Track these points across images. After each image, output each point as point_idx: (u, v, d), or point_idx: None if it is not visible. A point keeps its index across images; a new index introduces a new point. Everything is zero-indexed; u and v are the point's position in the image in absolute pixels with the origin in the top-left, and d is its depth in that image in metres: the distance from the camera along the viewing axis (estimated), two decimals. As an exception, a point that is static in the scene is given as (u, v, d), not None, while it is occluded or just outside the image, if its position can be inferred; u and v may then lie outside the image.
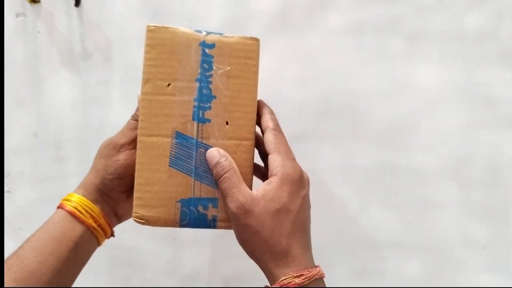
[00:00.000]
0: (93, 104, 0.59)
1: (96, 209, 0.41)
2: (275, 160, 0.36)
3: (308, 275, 0.33)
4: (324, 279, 0.35)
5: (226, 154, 0.37)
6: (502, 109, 0.52)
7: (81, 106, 0.59)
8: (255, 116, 0.40)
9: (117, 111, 0.58)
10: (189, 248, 0.58)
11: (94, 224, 0.41)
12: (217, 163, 0.37)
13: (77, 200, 0.41)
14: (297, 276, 0.33)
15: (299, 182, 0.36)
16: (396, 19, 0.53)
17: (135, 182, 0.38)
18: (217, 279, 0.58)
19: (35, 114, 0.60)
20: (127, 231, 0.59)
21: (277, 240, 0.34)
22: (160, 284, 0.59)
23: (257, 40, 0.40)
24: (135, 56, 0.57)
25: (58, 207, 0.41)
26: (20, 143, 0.60)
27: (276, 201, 0.34)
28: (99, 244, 0.42)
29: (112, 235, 0.44)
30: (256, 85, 0.40)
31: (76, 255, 0.40)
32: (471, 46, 0.52)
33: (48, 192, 0.60)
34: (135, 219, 0.38)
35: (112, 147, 0.42)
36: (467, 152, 0.53)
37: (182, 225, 0.39)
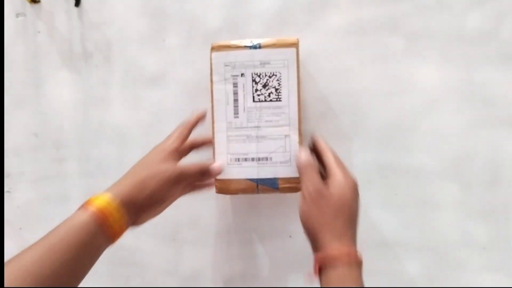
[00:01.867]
0: (93, 104, 0.59)
1: (124, 218, 0.40)
2: (337, 167, 0.43)
3: (353, 254, 0.40)
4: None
5: (308, 151, 0.46)
6: (502, 109, 0.52)
7: (81, 106, 0.59)
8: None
9: (117, 111, 0.58)
10: (189, 248, 0.58)
11: (119, 235, 0.40)
12: (301, 156, 0.45)
13: (108, 206, 0.39)
14: (347, 254, 0.40)
15: (356, 188, 0.43)
16: (396, 19, 0.53)
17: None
18: (217, 279, 0.58)
19: (35, 114, 0.60)
20: (127, 231, 0.59)
21: (339, 224, 0.41)
22: (160, 284, 0.59)
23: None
24: (135, 56, 0.57)
25: (83, 207, 0.39)
26: (20, 143, 0.60)
27: (342, 195, 0.42)
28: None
29: None
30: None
31: (91, 261, 0.39)
32: (471, 46, 0.52)
33: (48, 192, 0.60)
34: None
35: (175, 178, 0.43)
36: (467, 152, 0.53)
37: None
